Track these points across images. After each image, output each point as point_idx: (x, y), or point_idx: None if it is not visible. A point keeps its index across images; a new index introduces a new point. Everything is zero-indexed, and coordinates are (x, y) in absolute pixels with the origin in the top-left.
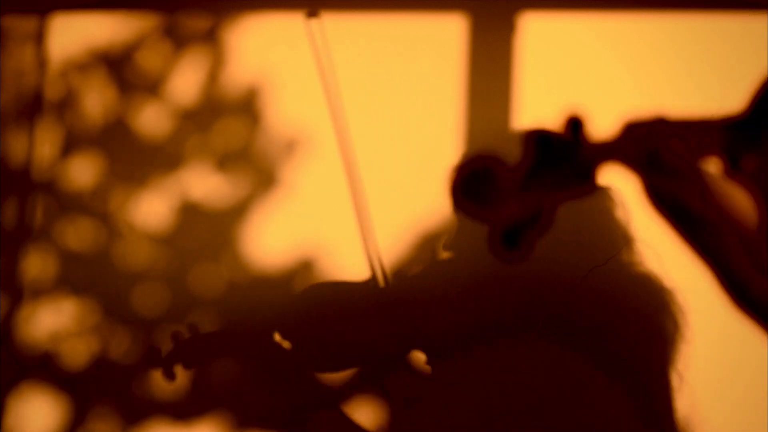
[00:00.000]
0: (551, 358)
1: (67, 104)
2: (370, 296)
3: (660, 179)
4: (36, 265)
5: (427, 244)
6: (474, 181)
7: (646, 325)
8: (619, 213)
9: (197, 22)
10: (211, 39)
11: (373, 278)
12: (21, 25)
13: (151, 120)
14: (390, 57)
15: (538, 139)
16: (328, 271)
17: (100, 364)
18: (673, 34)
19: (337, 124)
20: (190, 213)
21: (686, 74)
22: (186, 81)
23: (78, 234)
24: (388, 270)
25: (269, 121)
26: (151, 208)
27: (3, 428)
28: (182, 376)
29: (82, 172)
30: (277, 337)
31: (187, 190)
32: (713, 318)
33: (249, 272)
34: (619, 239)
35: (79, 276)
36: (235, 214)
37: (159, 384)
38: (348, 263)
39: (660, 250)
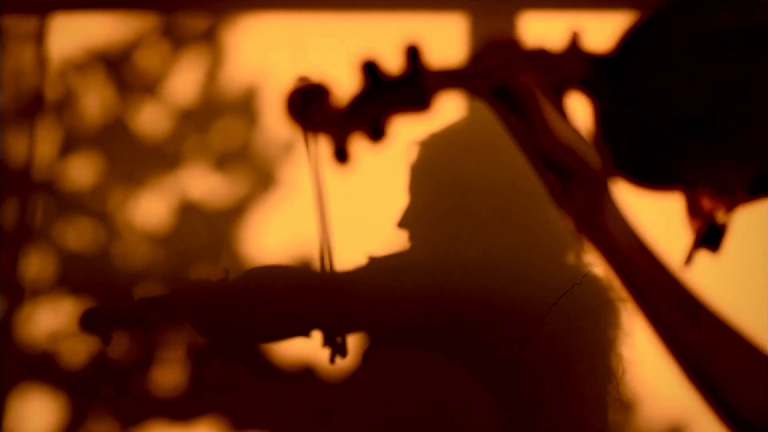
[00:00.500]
0: (441, 368)
1: (66, 104)
2: (309, 280)
3: (508, 112)
4: (35, 264)
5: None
6: (306, 101)
7: (575, 337)
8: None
9: (196, 22)
10: (210, 39)
11: (320, 264)
12: (21, 25)
13: (150, 120)
14: (390, 57)
15: (366, 67)
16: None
17: (100, 364)
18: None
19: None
20: (188, 213)
21: None
22: (185, 81)
23: (77, 234)
24: (333, 258)
25: (268, 121)
26: (150, 208)
27: (3, 428)
28: (182, 376)
29: (82, 171)
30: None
31: (185, 190)
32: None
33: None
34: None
35: (79, 276)
36: (233, 214)
37: (159, 384)
38: (348, 263)
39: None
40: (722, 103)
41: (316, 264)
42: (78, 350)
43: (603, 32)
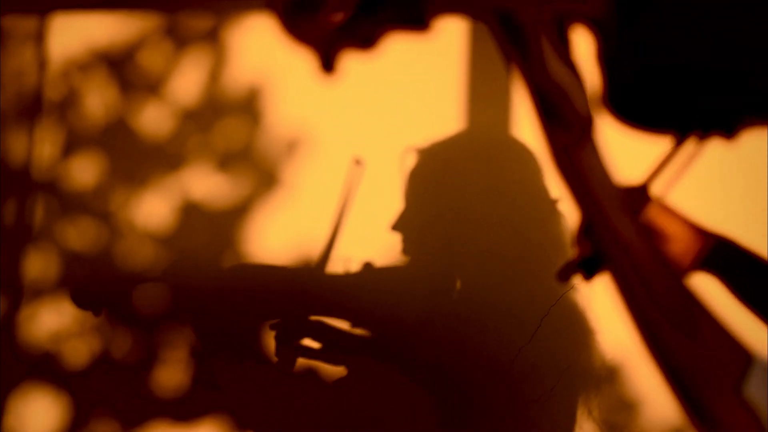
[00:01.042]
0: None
1: (68, 104)
2: (302, 278)
3: (508, 41)
4: (37, 265)
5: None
6: (301, 10)
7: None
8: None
9: (198, 22)
10: (212, 39)
11: (320, 263)
12: (21, 25)
13: (152, 120)
14: (390, 57)
15: None
16: (329, 271)
17: (101, 364)
18: None
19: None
20: (191, 213)
21: None
22: (187, 81)
23: (79, 234)
24: (333, 260)
25: (270, 121)
26: (152, 208)
27: (4, 428)
28: (184, 376)
29: (84, 171)
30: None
31: (188, 190)
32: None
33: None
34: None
35: (81, 276)
36: (236, 214)
37: (160, 384)
38: (347, 263)
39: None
40: (723, 53)
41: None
42: (80, 350)
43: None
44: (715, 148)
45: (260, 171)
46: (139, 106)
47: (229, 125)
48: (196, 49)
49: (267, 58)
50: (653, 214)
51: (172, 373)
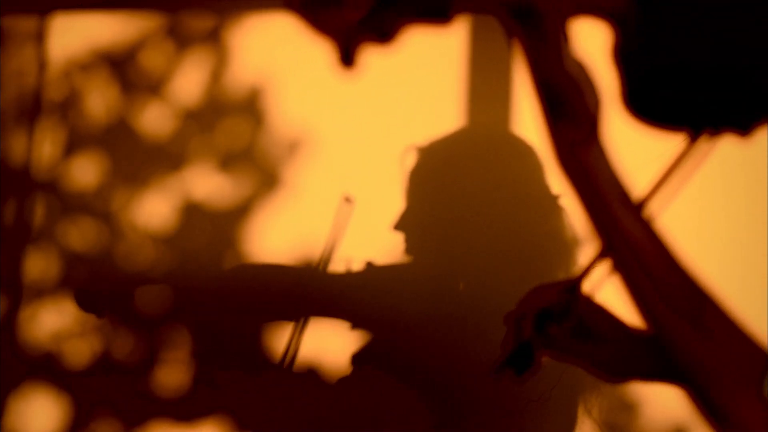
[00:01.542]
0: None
1: (68, 104)
2: (304, 279)
3: (523, 32)
4: (38, 265)
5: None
6: (321, 1)
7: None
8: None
9: (200, 22)
10: (214, 39)
11: (318, 264)
12: (21, 25)
13: (154, 120)
14: (391, 57)
15: None
16: (330, 271)
17: (103, 365)
18: None
19: None
20: (192, 213)
21: None
22: (189, 81)
23: (80, 234)
24: (331, 261)
25: (272, 121)
26: (154, 208)
27: (4, 428)
28: (185, 376)
29: (85, 172)
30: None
31: (189, 190)
32: None
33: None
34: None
35: (82, 276)
36: (237, 215)
37: (160, 384)
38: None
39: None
40: (739, 52)
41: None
42: (81, 350)
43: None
44: (719, 147)
45: (262, 171)
46: (140, 106)
47: (231, 125)
48: (197, 49)
49: (269, 58)
50: None
51: (172, 373)
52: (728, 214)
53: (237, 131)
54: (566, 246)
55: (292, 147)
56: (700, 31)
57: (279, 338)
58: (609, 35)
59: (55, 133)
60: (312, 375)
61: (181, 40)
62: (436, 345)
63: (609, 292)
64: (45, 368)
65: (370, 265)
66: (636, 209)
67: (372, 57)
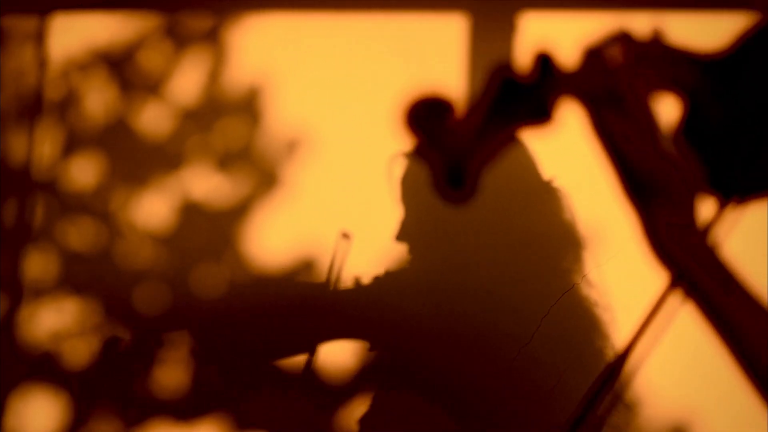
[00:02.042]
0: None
1: (68, 104)
2: (316, 296)
3: (613, 117)
4: (37, 264)
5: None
6: (428, 115)
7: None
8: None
9: (198, 22)
10: (212, 39)
11: (332, 263)
12: (21, 25)
13: (153, 120)
14: (391, 57)
15: (502, 80)
16: (329, 270)
17: (102, 364)
18: (673, 34)
19: None
20: (191, 213)
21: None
22: (187, 81)
23: (79, 234)
24: (343, 274)
25: (270, 120)
26: (153, 208)
27: (4, 428)
28: (184, 376)
29: (84, 171)
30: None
31: (188, 190)
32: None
33: (250, 272)
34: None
35: (81, 276)
36: (236, 214)
37: (160, 384)
38: (349, 263)
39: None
40: None
41: (320, 267)
42: (80, 350)
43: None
44: None
45: (260, 171)
46: (139, 106)
47: (229, 125)
48: (196, 48)
49: (267, 57)
50: None
51: (172, 373)
52: None
53: (235, 131)
54: (569, 235)
55: (291, 147)
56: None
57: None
58: (680, 109)
59: (55, 133)
60: (318, 378)
61: (179, 40)
62: (446, 346)
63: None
64: (44, 368)
65: (377, 279)
66: (740, 291)
67: (370, 57)
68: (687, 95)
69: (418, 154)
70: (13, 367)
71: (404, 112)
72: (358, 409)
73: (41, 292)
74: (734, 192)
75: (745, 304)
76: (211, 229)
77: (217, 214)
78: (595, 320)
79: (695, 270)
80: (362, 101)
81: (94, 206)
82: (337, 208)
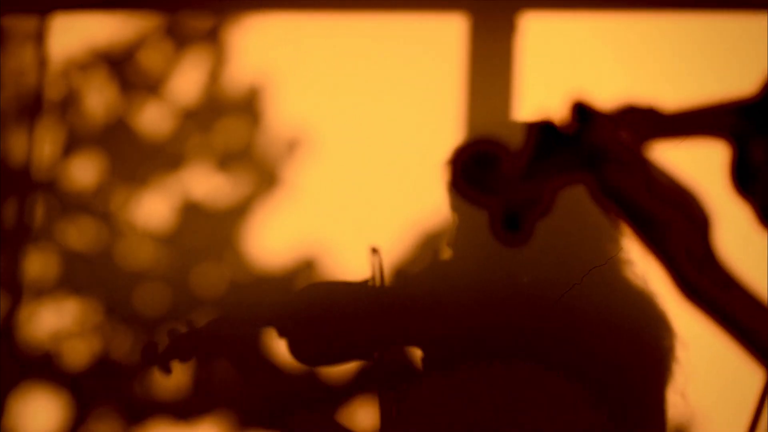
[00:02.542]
0: (533, 376)
1: (68, 104)
2: (367, 296)
3: (607, 170)
4: (37, 264)
5: (429, 243)
6: (474, 165)
7: (636, 344)
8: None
9: (198, 22)
10: (212, 39)
11: (372, 278)
12: (21, 25)
13: (153, 120)
14: (391, 57)
15: (541, 128)
16: (330, 271)
17: (102, 364)
18: (673, 35)
19: None
20: (191, 213)
21: (686, 74)
22: (187, 81)
23: (80, 234)
24: (386, 270)
25: (270, 120)
26: (153, 208)
27: (4, 428)
28: (183, 375)
29: (84, 171)
30: (274, 334)
31: (188, 190)
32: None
33: (250, 272)
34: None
35: (81, 276)
36: (236, 214)
37: (160, 384)
38: (349, 263)
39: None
40: None
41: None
42: (80, 350)
43: (604, 33)
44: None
45: (260, 171)
46: (139, 105)
47: (229, 125)
48: (196, 48)
49: (267, 57)
50: None
51: (173, 374)
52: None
53: (235, 131)
54: (608, 234)
55: (291, 146)
56: None
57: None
58: (729, 155)
59: (55, 132)
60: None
61: (179, 40)
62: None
63: None
64: (44, 368)
65: (423, 271)
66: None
67: (370, 57)
68: (734, 140)
69: (473, 203)
70: (13, 367)
71: (452, 164)
72: (357, 409)
73: (41, 292)
74: None
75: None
76: (211, 229)
77: (217, 214)
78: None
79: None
80: (362, 101)
81: (94, 206)
82: (337, 208)
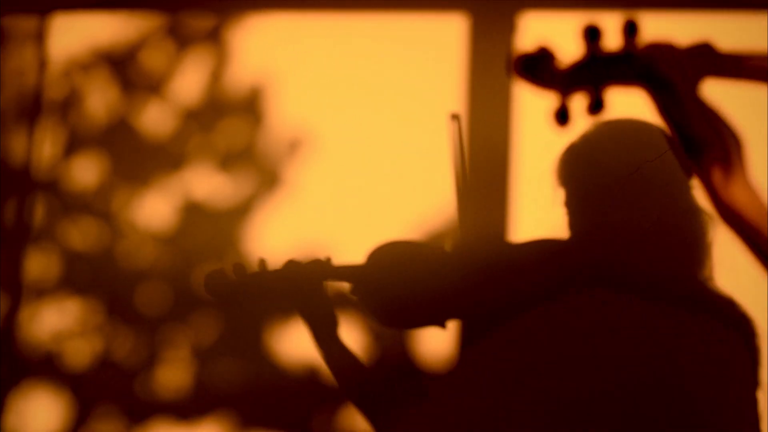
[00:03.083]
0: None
1: (69, 104)
2: (445, 262)
3: (659, 91)
4: (39, 264)
5: (430, 241)
6: (533, 62)
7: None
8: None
9: (200, 22)
10: (214, 39)
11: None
12: (21, 25)
13: (154, 120)
14: (391, 57)
15: (587, 30)
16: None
17: (103, 364)
18: (673, 35)
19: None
20: (193, 212)
21: None
22: (189, 81)
23: (81, 234)
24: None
25: (271, 120)
26: (154, 208)
27: (4, 428)
28: (183, 376)
29: (85, 171)
30: (347, 288)
31: (190, 190)
32: None
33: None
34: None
35: (82, 276)
36: (237, 214)
37: (160, 384)
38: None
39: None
40: None
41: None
42: (82, 350)
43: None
44: None
45: (262, 171)
46: (140, 105)
47: (231, 125)
48: (197, 49)
49: (268, 58)
50: None
51: (172, 373)
52: None
53: (237, 131)
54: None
55: (292, 146)
56: None
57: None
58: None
59: (55, 133)
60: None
61: (181, 40)
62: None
63: None
64: (45, 368)
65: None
66: None
67: (371, 56)
68: None
69: (537, 93)
70: (14, 367)
71: (515, 63)
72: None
73: (42, 292)
74: None
75: None
76: (212, 229)
77: (218, 214)
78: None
79: (743, 224)
80: (362, 101)
81: (95, 206)
82: (338, 208)
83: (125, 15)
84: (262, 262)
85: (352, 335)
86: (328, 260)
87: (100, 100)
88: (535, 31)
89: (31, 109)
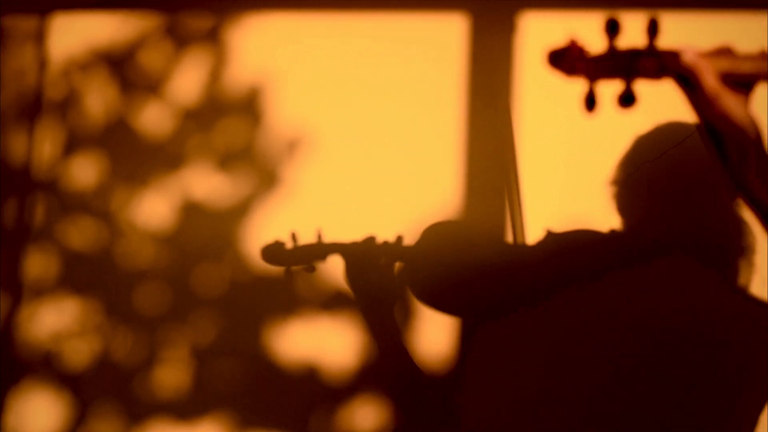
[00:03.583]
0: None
1: (68, 104)
2: (502, 252)
3: (690, 95)
4: (38, 264)
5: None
6: (560, 54)
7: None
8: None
9: (199, 22)
10: (212, 38)
11: (512, 235)
12: (21, 25)
13: (153, 119)
14: (391, 57)
15: (608, 23)
16: (330, 271)
17: (102, 364)
18: (674, 35)
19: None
20: (191, 212)
21: None
22: (188, 80)
23: (80, 233)
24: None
25: (271, 120)
26: (153, 208)
27: (4, 428)
28: (183, 375)
29: (84, 171)
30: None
31: (188, 190)
32: None
33: (250, 272)
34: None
35: (81, 276)
36: (236, 214)
37: (160, 383)
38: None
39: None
40: None
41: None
42: (81, 350)
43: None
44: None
45: (261, 171)
46: (139, 105)
47: (230, 125)
48: (196, 48)
49: (267, 57)
50: None
51: (171, 373)
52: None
53: (236, 131)
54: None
55: (291, 146)
56: None
57: None
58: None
59: (55, 132)
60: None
61: (180, 40)
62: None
63: None
64: (45, 367)
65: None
66: None
67: (370, 56)
68: None
69: (568, 79)
70: (13, 367)
71: (548, 53)
72: (355, 409)
73: (42, 292)
74: None
75: None
76: (211, 229)
77: (217, 213)
78: None
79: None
80: (362, 101)
81: (94, 206)
82: (338, 208)
83: (124, 15)
84: (294, 236)
85: (353, 335)
86: (377, 239)
87: (99, 99)
88: (535, 31)
89: (31, 109)
